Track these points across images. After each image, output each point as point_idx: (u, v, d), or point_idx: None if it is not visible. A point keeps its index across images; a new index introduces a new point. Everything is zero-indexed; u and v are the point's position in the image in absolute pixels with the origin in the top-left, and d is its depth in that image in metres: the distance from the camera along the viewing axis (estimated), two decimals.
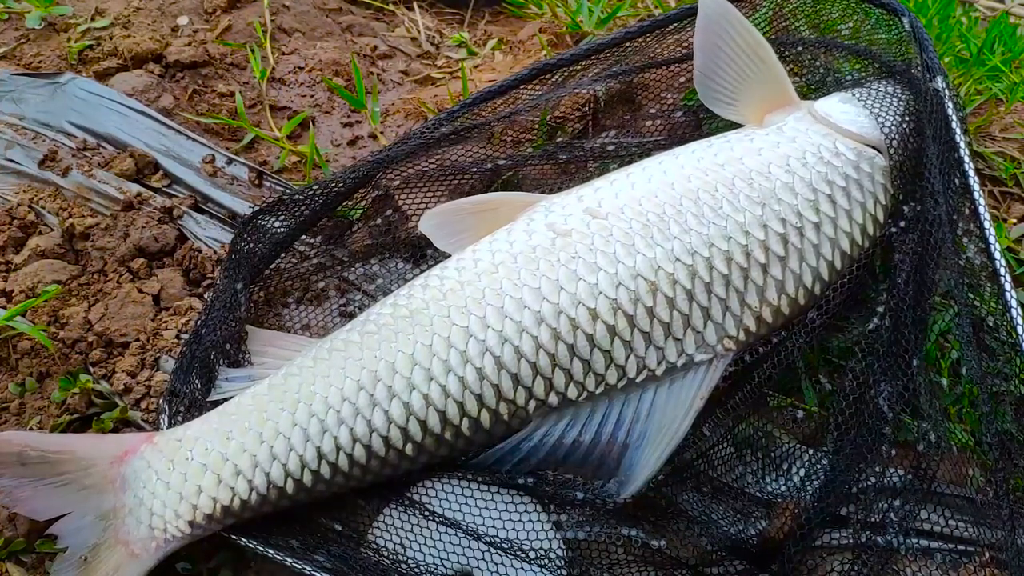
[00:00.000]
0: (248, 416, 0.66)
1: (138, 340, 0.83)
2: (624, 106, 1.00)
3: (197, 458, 0.64)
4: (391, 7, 1.31)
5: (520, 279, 0.66)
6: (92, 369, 0.81)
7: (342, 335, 0.69)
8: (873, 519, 0.65)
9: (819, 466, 0.69)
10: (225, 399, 0.70)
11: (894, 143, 0.72)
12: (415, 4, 1.31)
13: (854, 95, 0.76)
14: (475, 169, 0.90)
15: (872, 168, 0.72)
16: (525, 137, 1.01)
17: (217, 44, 1.14)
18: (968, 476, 0.69)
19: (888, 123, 0.73)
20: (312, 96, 1.11)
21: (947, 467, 0.69)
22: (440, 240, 0.74)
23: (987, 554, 0.64)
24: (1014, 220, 0.92)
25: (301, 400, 0.65)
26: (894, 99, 0.75)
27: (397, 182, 0.89)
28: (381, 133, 1.07)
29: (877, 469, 0.67)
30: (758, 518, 0.68)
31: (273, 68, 1.14)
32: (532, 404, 0.65)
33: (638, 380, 0.66)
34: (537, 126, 0.99)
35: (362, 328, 0.68)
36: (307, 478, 0.64)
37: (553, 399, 0.65)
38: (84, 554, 0.64)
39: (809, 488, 0.68)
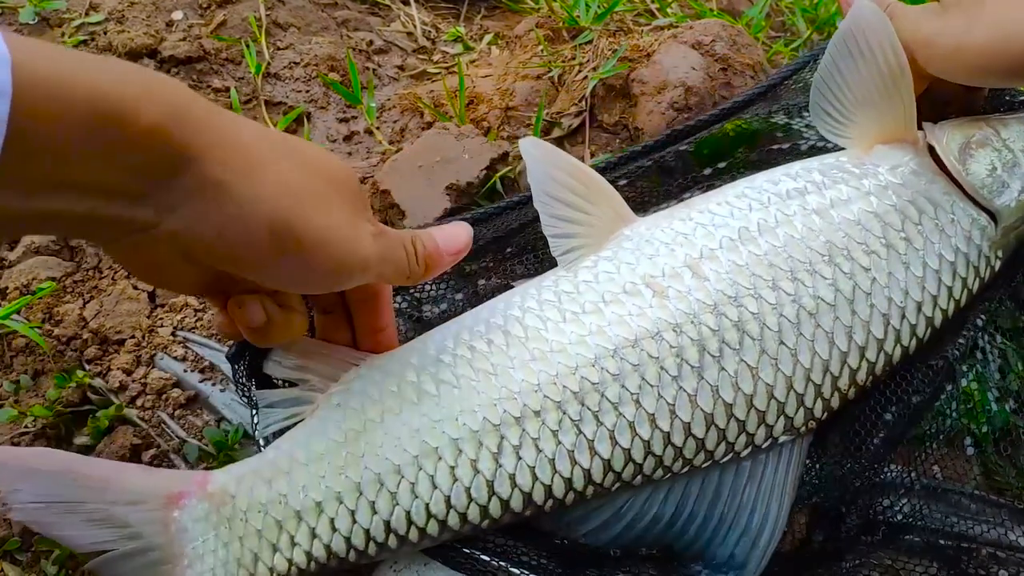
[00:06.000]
0: (301, 475, 0.59)
1: (133, 337, 0.82)
2: (622, 101, 1.00)
3: (251, 521, 0.59)
4: (386, 1, 1.31)
5: (617, 351, 0.60)
6: (87, 367, 0.80)
7: (409, 373, 0.62)
8: (874, 517, 0.65)
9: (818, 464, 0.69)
10: (274, 431, 0.64)
11: (1012, 208, 0.68)
12: None
13: (980, 142, 0.69)
14: None
15: (981, 239, 0.67)
16: (523, 133, 1.01)
17: (212, 39, 1.14)
18: (970, 474, 0.69)
19: (1015, 187, 0.68)
20: (308, 91, 1.11)
21: (949, 464, 0.69)
22: (535, 183, 0.67)
23: (985, 551, 0.64)
24: None
25: (367, 466, 0.59)
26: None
27: None
28: (377, 128, 1.06)
29: (877, 466, 0.67)
30: None
31: (268, 63, 1.13)
32: (617, 486, 0.61)
33: (722, 462, 0.62)
34: (533, 121, 0.99)
35: (436, 373, 0.61)
36: (372, 549, 0.59)
37: (638, 480, 0.61)
38: None
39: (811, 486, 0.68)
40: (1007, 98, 0.77)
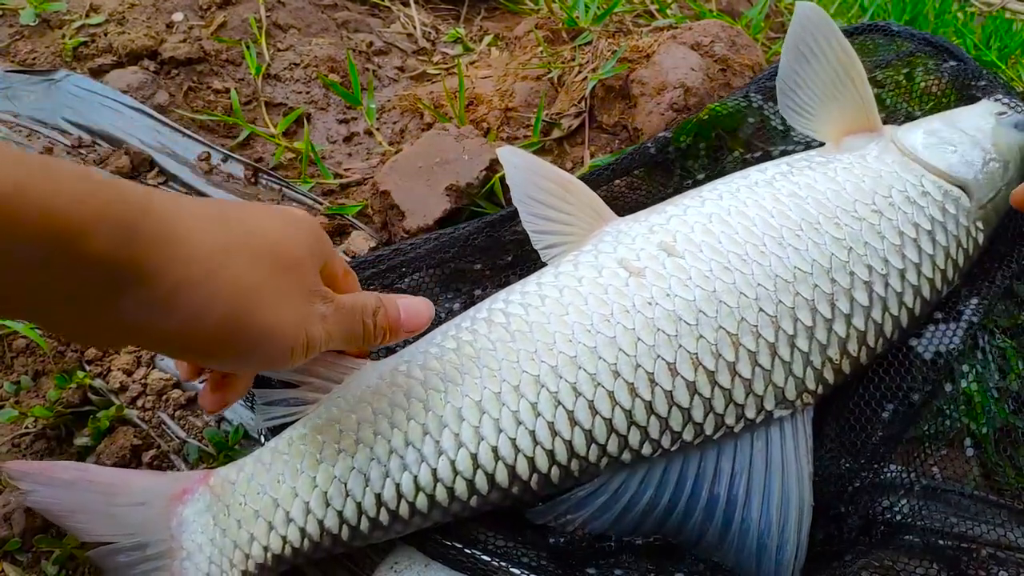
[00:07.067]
0: (300, 456, 0.62)
1: None
2: (621, 102, 1.00)
3: (249, 503, 0.61)
4: (387, 3, 1.31)
5: (593, 325, 0.62)
6: (88, 367, 0.81)
7: (402, 366, 0.64)
8: (873, 517, 0.65)
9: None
10: (275, 426, 0.66)
11: (981, 181, 0.70)
12: (411, 0, 1.31)
13: (941, 128, 0.73)
14: None
15: (957, 209, 0.69)
16: (523, 134, 1.01)
17: (212, 40, 1.14)
18: (970, 474, 0.69)
19: (977, 162, 0.71)
20: (308, 92, 1.11)
21: (949, 465, 0.69)
22: (514, 187, 0.71)
23: (985, 551, 0.64)
24: None
25: (360, 441, 0.61)
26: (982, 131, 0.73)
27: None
28: (377, 130, 1.06)
29: (876, 466, 0.67)
30: None
31: (268, 64, 1.13)
32: (604, 461, 0.62)
33: (715, 437, 0.63)
34: (532, 122, 0.99)
35: (424, 363, 0.64)
36: (364, 525, 0.61)
37: (627, 456, 0.62)
38: None
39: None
40: (971, 92, 0.81)
